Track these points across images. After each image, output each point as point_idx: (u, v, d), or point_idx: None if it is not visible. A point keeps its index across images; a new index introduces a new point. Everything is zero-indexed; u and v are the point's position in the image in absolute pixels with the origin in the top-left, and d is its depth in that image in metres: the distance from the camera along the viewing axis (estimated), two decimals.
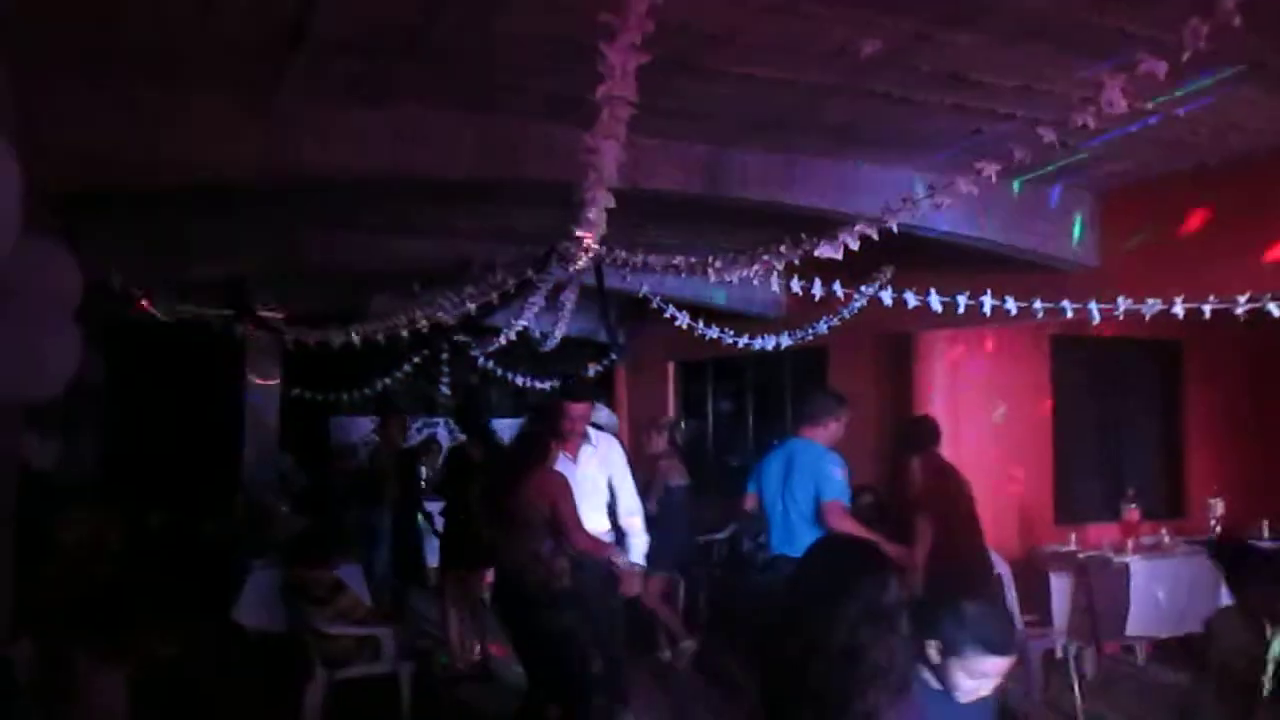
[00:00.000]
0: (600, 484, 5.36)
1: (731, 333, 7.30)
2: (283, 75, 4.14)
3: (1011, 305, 5.22)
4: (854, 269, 5.71)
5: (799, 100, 4.51)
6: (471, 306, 6.89)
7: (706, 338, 7.08)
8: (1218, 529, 7.36)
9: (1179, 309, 4.87)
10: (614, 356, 11.06)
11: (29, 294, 2.97)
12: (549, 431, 5.04)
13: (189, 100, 4.33)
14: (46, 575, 4.56)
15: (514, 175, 5.00)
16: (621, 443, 5.82)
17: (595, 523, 5.17)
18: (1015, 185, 5.80)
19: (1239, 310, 4.69)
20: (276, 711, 5.67)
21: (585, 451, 5.34)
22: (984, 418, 7.76)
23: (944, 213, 4.44)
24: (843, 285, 5.78)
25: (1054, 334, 8.04)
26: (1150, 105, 4.34)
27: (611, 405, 12.25)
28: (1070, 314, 5.36)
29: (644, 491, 6.10)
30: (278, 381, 9.71)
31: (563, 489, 4.81)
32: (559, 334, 9.06)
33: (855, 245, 4.28)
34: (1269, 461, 8.18)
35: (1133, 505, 6.86)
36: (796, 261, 4.84)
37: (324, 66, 4.06)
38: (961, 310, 5.20)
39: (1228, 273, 5.19)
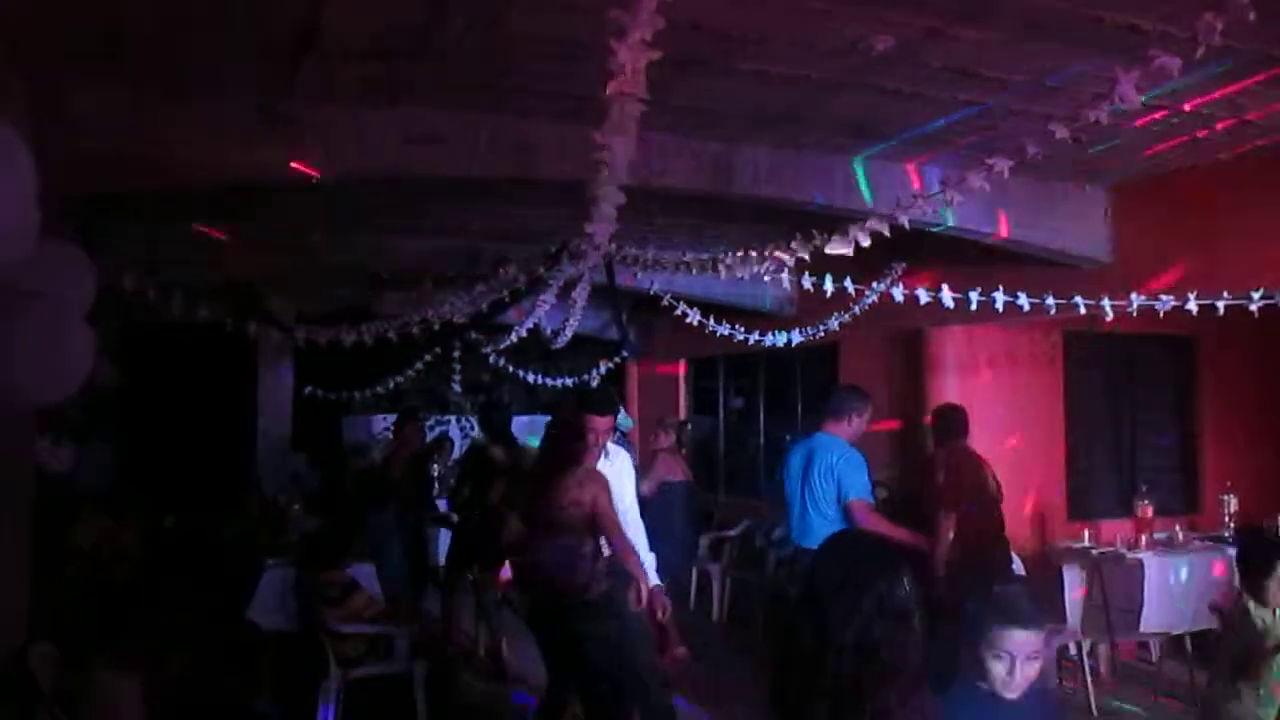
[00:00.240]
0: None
1: (742, 329, 7.29)
2: (294, 77, 4.15)
3: (1024, 301, 5.20)
4: (865, 265, 5.70)
5: (810, 96, 4.51)
6: (483, 305, 6.90)
7: (717, 335, 7.07)
8: (1232, 524, 7.32)
9: (1192, 305, 4.85)
10: (625, 354, 11.05)
11: (43, 296, 2.98)
12: (578, 442, 4.77)
13: (201, 103, 4.35)
14: (63, 579, 4.59)
15: (525, 174, 5.00)
16: (632, 443, 5.82)
17: None
18: (1028, 181, 5.78)
19: (1253, 306, 4.67)
20: (292, 711, 5.69)
21: (601, 465, 5.27)
22: (996, 414, 7.73)
23: (955, 208, 4.44)
24: (854, 281, 5.77)
25: (1067, 330, 8.01)
26: (1163, 100, 4.32)
27: (623, 403, 12.27)
28: (1083, 310, 5.34)
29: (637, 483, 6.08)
30: (290, 381, 9.75)
31: (604, 489, 4.58)
32: (570, 331, 9.06)
33: (866, 241, 4.28)
34: None
35: (1146, 501, 6.83)
36: (807, 258, 4.83)
37: (335, 68, 4.07)
38: (974, 306, 5.18)
39: (1242, 268, 5.16)
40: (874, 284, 6.23)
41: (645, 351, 11.74)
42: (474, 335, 9.42)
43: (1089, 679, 6.00)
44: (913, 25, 3.66)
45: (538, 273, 6.59)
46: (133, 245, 6.45)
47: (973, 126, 4.78)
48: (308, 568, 5.91)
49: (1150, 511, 6.82)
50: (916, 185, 4.52)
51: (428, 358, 10.43)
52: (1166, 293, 4.95)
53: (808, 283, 5.42)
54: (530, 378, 11.05)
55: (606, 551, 4.63)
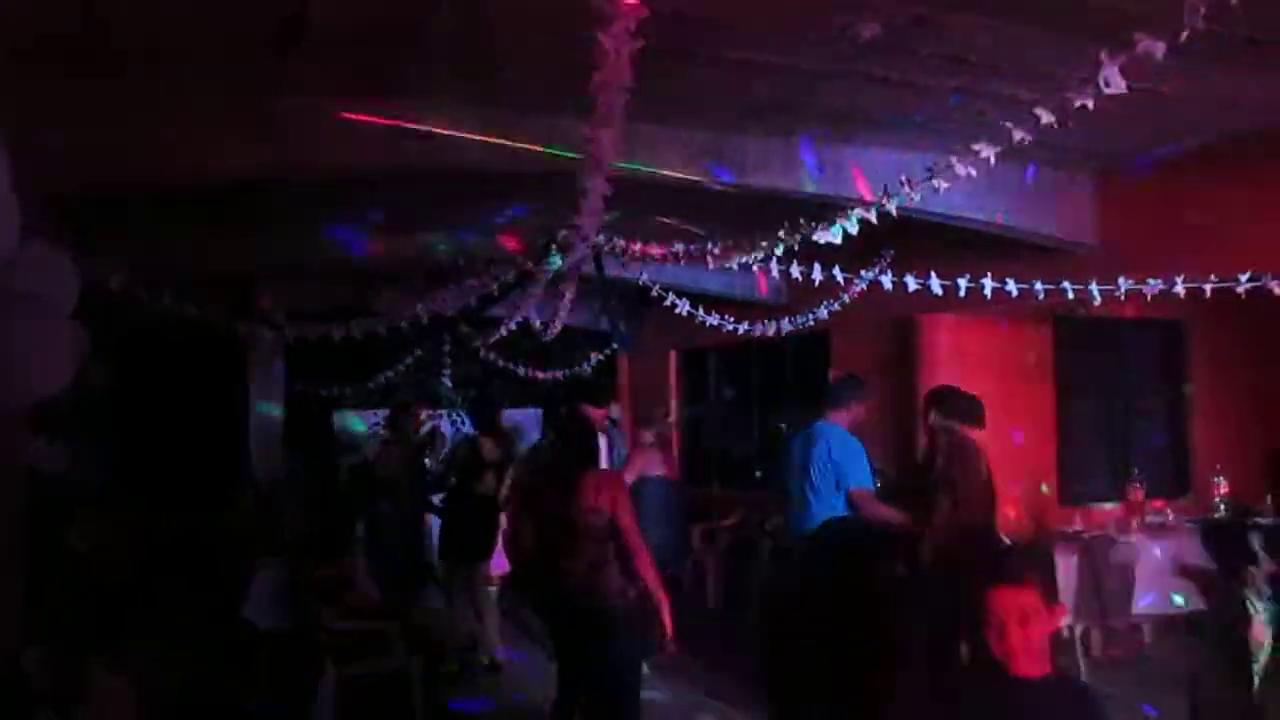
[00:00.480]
0: None
1: (732, 320, 7.28)
2: (281, 72, 4.13)
3: (1012, 287, 5.20)
4: (856, 253, 5.70)
5: (798, 85, 4.50)
6: (472, 299, 6.88)
7: (708, 325, 7.06)
8: (1222, 507, 7.36)
9: (1180, 288, 4.86)
10: (616, 346, 11.04)
11: (22, 294, 2.96)
12: (590, 440, 4.68)
13: (188, 98, 4.32)
14: (57, 580, 4.57)
15: (513, 166, 4.99)
16: (622, 431, 5.83)
17: None
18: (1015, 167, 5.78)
19: (1240, 289, 4.69)
20: (288, 710, 5.68)
21: None
22: (987, 400, 7.73)
23: (944, 195, 4.43)
24: (844, 270, 5.77)
25: (1057, 315, 8.03)
26: (1149, 85, 4.32)
27: (614, 395, 12.27)
28: (1071, 295, 5.35)
29: None
30: (282, 378, 9.73)
31: (624, 492, 4.44)
32: (559, 324, 9.05)
33: (854, 230, 4.27)
34: (1273, 438, 8.16)
35: (1137, 485, 6.86)
36: (796, 247, 4.83)
37: (322, 62, 4.05)
38: (963, 293, 5.19)
39: (1229, 251, 5.17)
40: (863, 272, 6.23)
41: (636, 343, 11.73)
42: (464, 329, 9.41)
43: (1082, 664, 6.03)
44: (900, 13, 3.66)
45: (526, 266, 6.58)
46: (122, 244, 6.41)
47: (961, 113, 4.79)
48: (303, 565, 5.91)
49: (1141, 495, 6.86)
50: (904, 173, 4.50)
51: (418, 352, 10.42)
52: (1154, 277, 4.96)
53: (796, 272, 5.42)
54: (521, 371, 11.04)
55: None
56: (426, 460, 9.15)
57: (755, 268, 5.41)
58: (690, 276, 7.86)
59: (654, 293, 6.73)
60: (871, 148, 5.54)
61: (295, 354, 9.16)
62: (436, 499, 7.91)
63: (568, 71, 2.79)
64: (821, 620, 2.04)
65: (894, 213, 4.15)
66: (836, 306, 7.34)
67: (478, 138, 4.81)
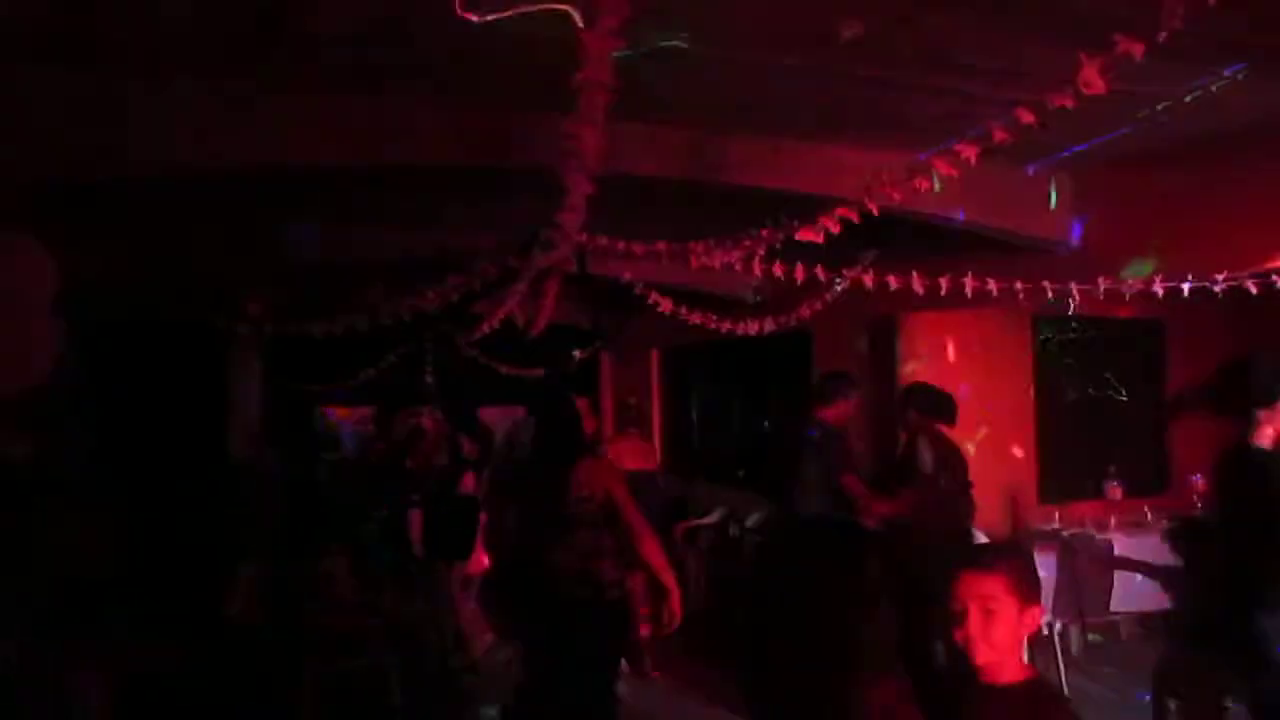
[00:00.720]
0: None
1: (715, 318, 7.29)
2: (262, 66, 4.12)
3: (992, 287, 5.23)
4: (839, 252, 5.72)
5: (781, 85, 4.51)
6: (454, 295, 6.86)
7: (690, 323, 7.07)
8: (1199, 504, 7.42)
9: (1158, 288, 4.89)
10: (598, 343, 11.05)
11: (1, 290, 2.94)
12: (578, 429, 4.56)
13: (167, 92, 4.29)
14: (32, 575, 4.53)
15: (496, 164, 4.98)
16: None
17: None
18: (996, 167, 5.81)
19: (1217, 289, 4.72)
20: (266, 706, 5.66)
21: None
22: (966, 397, 7.78)
23: (925, 195, 4.45)
24: (826, 269, 5.79)
25: (1036, 314, 8.07)
26: (1129, 85, 4.36)
27: (597, 392, 12.28)
28: (1050, 295, 5.38)
29: None
30: (261, 374, 9.68)
31: (618, 479, 4.30)
32: (543, 321, 9.03)
33: (835, 229, 4.29)
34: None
35: (1115, 482, 6.91)
36: (779, 246, 4.84)
37: (302, 57, 4.04)
38: (944, 292, 5.21)
39: (1208, 251, 5.21)
40: (844, 271, 6.24)
41: (619, 339, 11.73)
42: (446, 326, 9.39)
43: (1060, 661, 6.08)
44: (882, 12, 3.68)
45: (509, 263, 6.57)
46: (102, 239, 6.37)
47: (942, 112, 4.81)
48: (283, 561, 5.89)
49: (1120, 493, 6.91)
50: (886, 171, 4.52)
51: (401, 349, 10.40)
52: (1133, 277, 4.99)
53: (778, 270, 5.43)
54: (503, 368, 11.03)
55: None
56: (408, 458, 9.14)
57: (738, 266, 5.43)
58: (673, 274, 7.86)
59: (637, 290, 6.73)
60: (853, 147, 5.56)
61: (275, 350, 9.12)
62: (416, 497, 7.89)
63: (551, 68, 2.79)
64: (797, 618, 2.04)
65: (875, 212, 4.17)
66: (819, 305, 7.37)
67: (461, 135, 4.80)
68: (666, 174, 5.30)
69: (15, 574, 4.29)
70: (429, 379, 11.40)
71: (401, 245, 7.66)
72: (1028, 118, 3.11)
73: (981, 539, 6.17)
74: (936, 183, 3.41)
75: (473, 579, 6.94)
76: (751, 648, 2.18)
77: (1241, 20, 3.60)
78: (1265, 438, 4.17)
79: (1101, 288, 5.05)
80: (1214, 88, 4.49)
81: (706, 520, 8.97)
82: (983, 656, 2.24)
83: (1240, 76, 4.36)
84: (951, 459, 5.84)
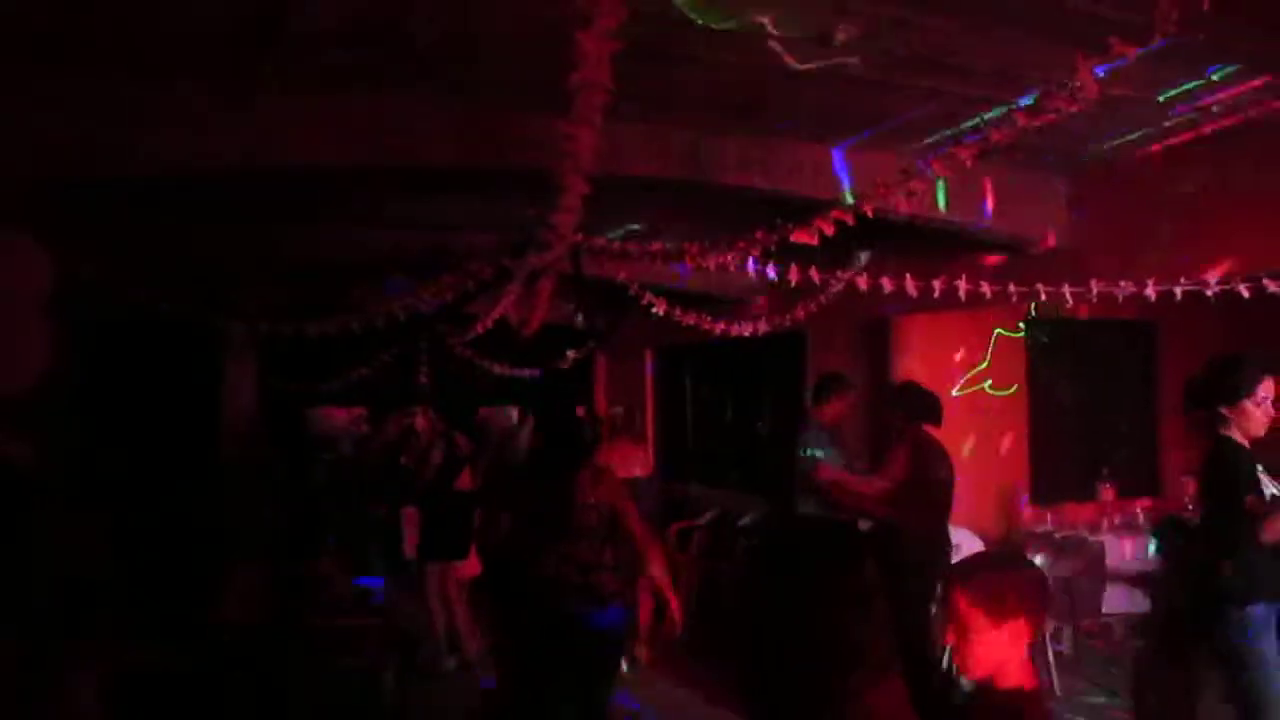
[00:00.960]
0: None
1: (709, 319, 7.30)
2: (259, 65, 4.11)
3: (985, 288, 5.25)
4: (834, 253, 5.75)
5: (776, 86, 4.52)
6: (449, 295, 6.86)
7: (684, 324, 7.08)
8: (1189, 506, 7.45)
9: (1151, 291, 4.92)
10: (593, 343, 11.05)
11: None
12: (583, 435, 4.57)
13: (163, 91, 4.28)
14: (23, 574, 4.51)
15: (493, 164, 4.99)
16: None
17: None
18: (992, 168, 5.84)
19: (1209, 292, 4.75)
20: (261, 707, 5.66)
21: None
22: (958, 399, 7.81)
23: (919, 196, 4.47)
24: (820, 270, 5.80)
25: (1029, 315, 8.10)
26: (1123, 88, 4.38)
27: (591, 393, 12.28)
28: (1044, 296, 5.40)
29: None
30: (255, 373, 9.66)
31: (621, 489, 4.29)
32: (536, 321, 9.03)
33: (830, 230, 4.30)
34: None
35: (1107, 484, 6.94)
36: (774, 247, 4.85)
37: (301, 57, 4.03)
38: (937, 294, 5.23)
39: (1201, 254, 5.24)
40: (838, 272, 6.26)
41: (613, 340, 11.73)
42: (440, 327, 9.37)
43: (1052, 662, 6.09)
44: (877, 14, 3.69)
45: (503, 264, 6.57)
46: (96, 238, 6.36)
47: (938, 114, 4.82)
48: (278, 562, 5.89)
49: (1112, 494, 6.93)
50: (881, 173, 4.53)
51: (394, 349, 10.37)
52: (1127, 279, 5.01)
53: (772, 272, 5.45)
54: (497, 368, 11.01)
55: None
56: (403, 458, 9.14)
57: (733, 267, 5.44)
58: (668, 275, 7.88)
59: (632, 291, 6.74)
60: (849, 149, 5.57)
61: (270, 349, 9.10)
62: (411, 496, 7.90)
63: (548, 69, 2.80)
64: (790, 618, 2.05)
65: (869, 214, 4.19)
66: (814, 307, 7.37)
67: (460, 135, 4.80)
68: (664, 174, 5.30)
69: (11, 574, 4.28)
70: (423, 379, 11.37)
71: (398, 246, 7.65)
72: (1024, 120, 3.13)
73: (974, 541, 6.20)
74: (941, 192, 3.42)
75: (464, 581, 6.94)
76: (746, 649, 2.18)
77: (1237, 22, 3.62)
78: (1234, 433, 4.33)
79: (1094, 290, 5.07)
80: (1210, 89, 4.51)
81: (700, 521, 8.97)
82: (964, 666, 2.28)
83: (1234, 77, 4.38)
84: (935, 460, 5.87)
